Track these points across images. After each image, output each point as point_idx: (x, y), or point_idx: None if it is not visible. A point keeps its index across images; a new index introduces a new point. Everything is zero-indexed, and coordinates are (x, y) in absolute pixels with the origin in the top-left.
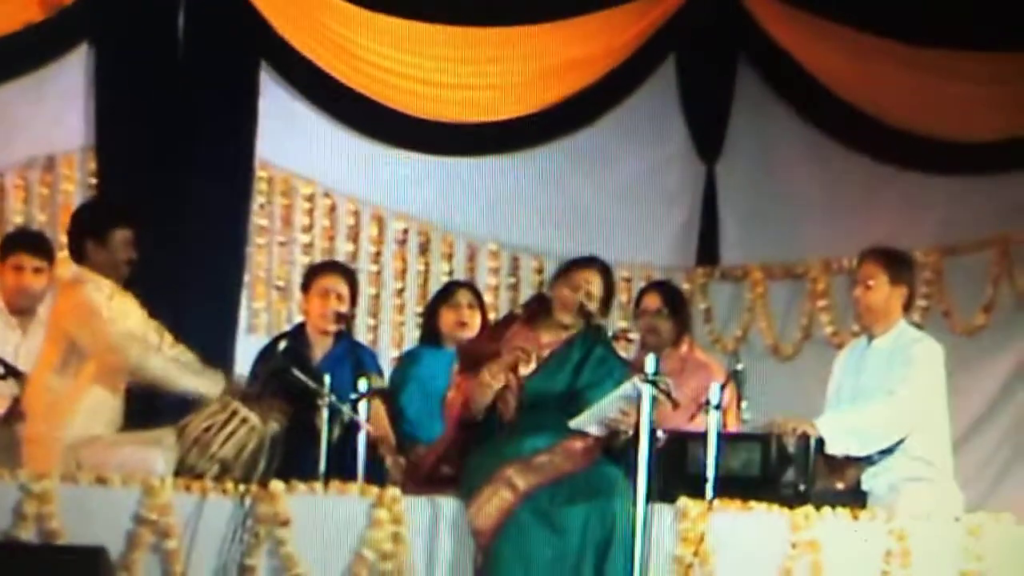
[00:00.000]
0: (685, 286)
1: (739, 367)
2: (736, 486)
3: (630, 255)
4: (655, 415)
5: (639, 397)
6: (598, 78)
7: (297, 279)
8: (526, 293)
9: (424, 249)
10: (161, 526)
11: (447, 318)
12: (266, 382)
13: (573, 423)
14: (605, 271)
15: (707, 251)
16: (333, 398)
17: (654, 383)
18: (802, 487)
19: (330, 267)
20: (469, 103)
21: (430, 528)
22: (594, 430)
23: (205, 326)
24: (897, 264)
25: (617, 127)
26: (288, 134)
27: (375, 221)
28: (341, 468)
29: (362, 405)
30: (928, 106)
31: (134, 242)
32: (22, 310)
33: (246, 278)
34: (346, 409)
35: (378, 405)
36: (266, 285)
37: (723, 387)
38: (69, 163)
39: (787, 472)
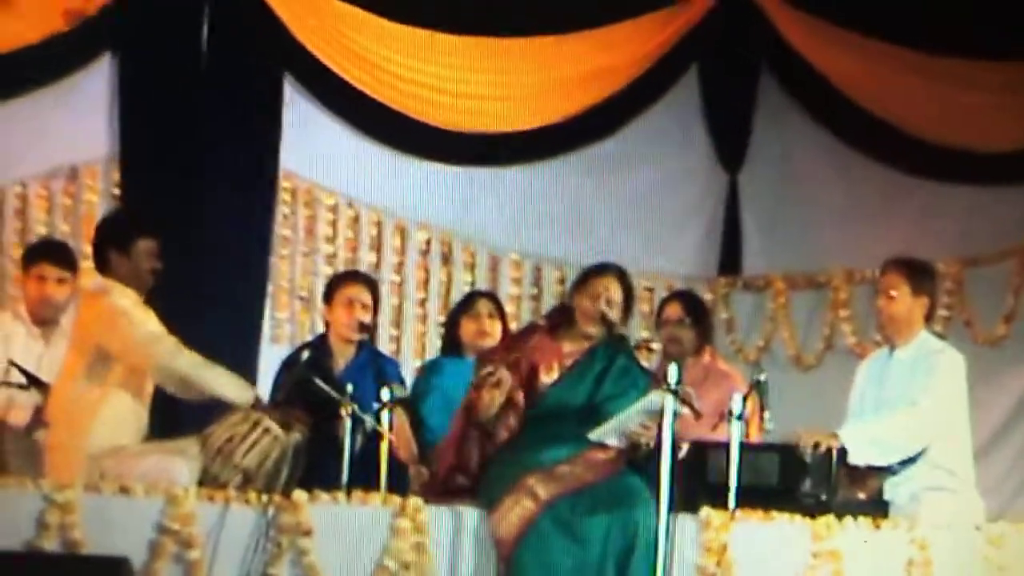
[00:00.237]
0: (707, 296)
1: (761, 377)
2: (758, 496)
3: (652, 265)
4: (677, 425)
5: (661, 409)
6: (621, 88)
7: (320, 289)
8: (548, 303)
9: (446, 259)
10: (184, 536)
11: (468, 328)
12: (289, 392)
13: (594, 435)
14: (622, 275)
15: (729, 261)
16: (356, 408)
17: (676, 393)
18: (824, 497)
19: (353, 277)
20: (491, 113)
21: (452, 538)
22: (615, 442)
23: (228, 336)
24: (919, 274)
25: (640, 137)
26: (311, 145)
27: (398, 231)
28: (363, 478)
29: (384, 415)
30: (948, 116)
31: (158, 252)
32: (45, 320)
33: (269, 288)
34: (368, 419)
35: (400, 415)
36: (289, 295)
37: (745, 397)
38: (92, 173)
39: (809, 482)
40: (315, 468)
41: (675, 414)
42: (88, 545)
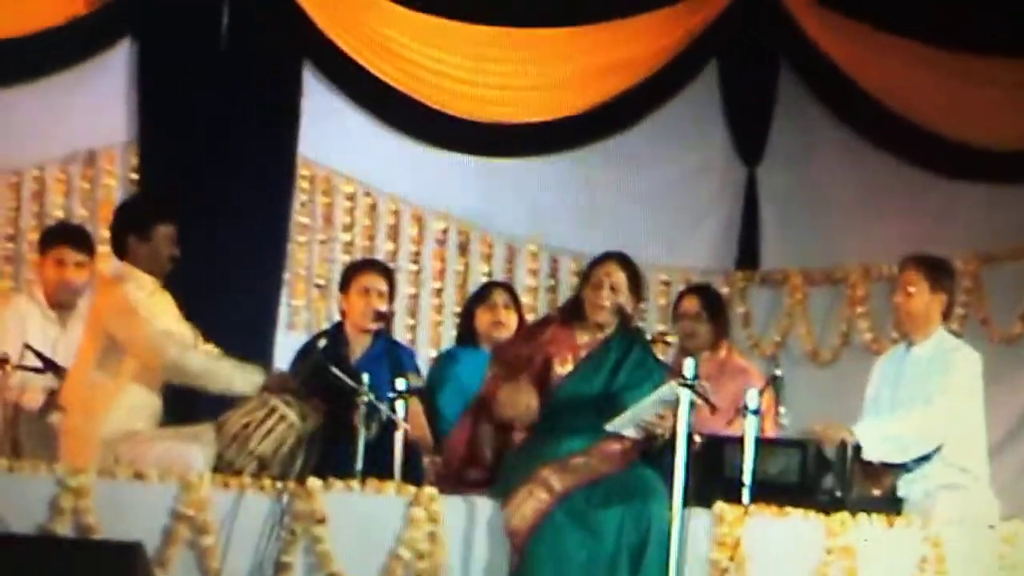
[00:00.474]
0: (724, 290)
1: (778, 372)
2: (772, 491)
3: (669, 258)
4: (692, 418)
5: (676, 400)
6: (641, 81)
7: (337, 277)
8: (565, 295)
9: (463, 249)
10: (198, 522)
11: (483, 318)
12: (305, 380)
13: (609, 426)
14: (624, 261)
15: (747, 255)
16: (371, 396)
17: (692, 387)
18: (838, 493)
19: (369, 265)
20: (510, 103)
21: (466, 528)
22: (630, 432)
23: (245, 323)
24: (938, 271)
25: (659, 130)
26: (330, 132)
27: (415, 220)
28: (378, 466)
29: (400, 404)
30: (967, 112)
31: (177, 238)
32: (62, 304)
33: (286, 276)
34: (384, 408)
35: (415, 404)
36: (306, 283)
37: (761, 392)
38: (110, 158)
39: (824, 478)
40: (330, 456)
41: (691, 407)
42: (102, 530)
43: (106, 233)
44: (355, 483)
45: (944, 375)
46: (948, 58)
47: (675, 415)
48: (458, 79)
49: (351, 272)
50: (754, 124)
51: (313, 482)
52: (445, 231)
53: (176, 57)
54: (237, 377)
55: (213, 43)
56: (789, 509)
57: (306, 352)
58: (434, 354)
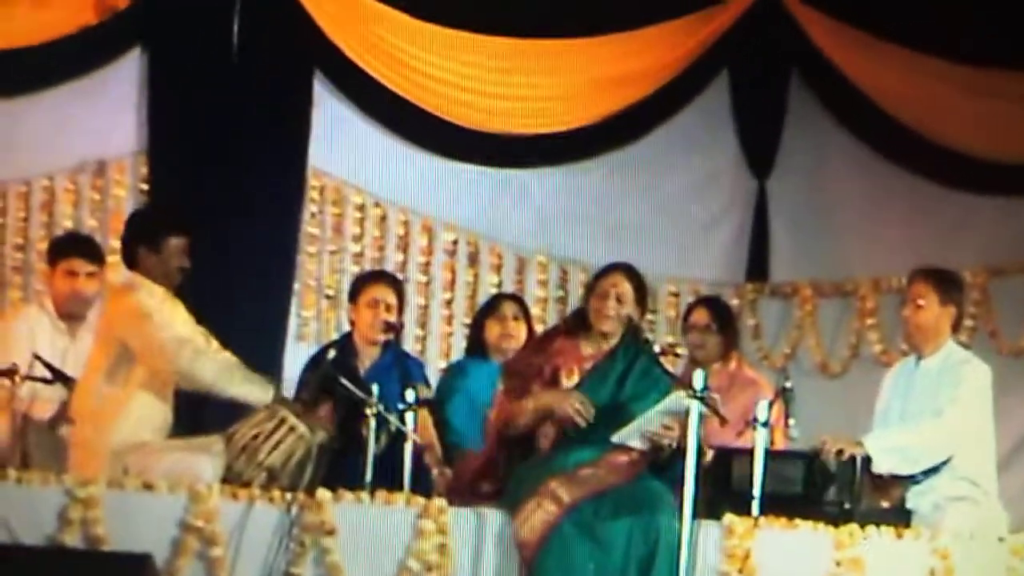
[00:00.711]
0: (734, 302)
1: (787, 384)
2: (782, 503)
3: (679, 270)
4: (702, 431)
5: (684, 411)
6: (651, 92)
7: (347, 288)
8: (574, 306)
9: (473, 260)
10: (207, 533)
11: (493, 330)
12: (314, 391)
13: (617, 437)
14: (629, 272)
15: (757, 267)
16: (380, 408)
17: (701, 399)
18: (847, 505)
19: (378, 277)
20: (520, 115)
21: (475, 539)
22: (637, 443)
23: (254, 333)
24: (947, 284)
25: (669, 141)
26: (340, 143)
27: (425, 231)
28: (387, 478)
29: (409, 415)
30: (977, 126)
31: (187, 250)
32: (72, 315)
33: (296, 286)
34: (393, 419)
35: (425, 415)
36: (316, 293)
37: (771, 404)
38: (120, 168)
39: (833, 490)
40: (339, 468)
41: (701, 419)
42: (111, 541)
43: (116, 244)
44: (364, 494)
45: (954, 387)
46: (959, 71)
47: (684, 427)
48: (469, 90)
49: (360, 284)
50: (764, 136)
51: (322, 493)
52: (455, 242)
53: (186, 67)
54: (247, 386)
55: (224, 53)
56: (798, 521)
57: (315, 363)
58: (444, 365)
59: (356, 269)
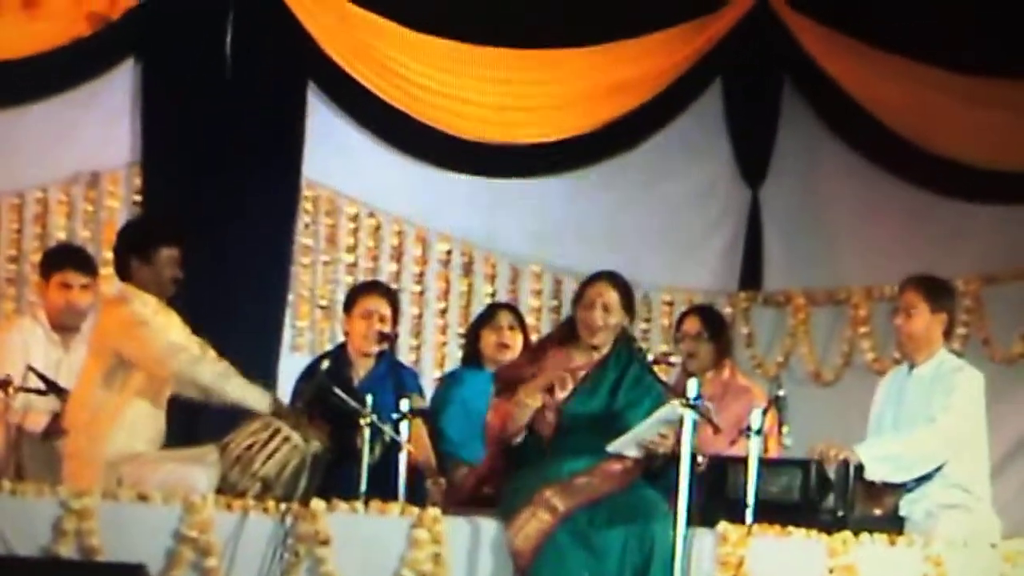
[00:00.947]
0: (728, 310)
1: (781, 392)
2: (775, 511)
3: (673, 278)
4: (696, 439)
5: (679, 421)
6: (644, 101)
7: (341, 298)
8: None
9: (467, 270)
10: (202, 544)
11: (489, 340)
12: (308, 401)
13: (611, 446)
14: (614, 279)
15: (750, 276)
16: (374, 418)
17: (695, 408)
18: (841, 513)
19: (372, 288)
20: (513, 124)
21: (470, 549)
22: (632, 452)
23: (249, 344)
24: (937, 292)
25: (662, 150)
26: (334, 153)
27: (419, 241)
28: (382, 488)
29: (403, 425)
30: (970, 134)
31: (180, 261)
32: (66, 326)
33: (290, 297)
34: (387, 429)
35: (419, 425)
36: (310, 304)
37: (764, 412)
38: (114, 179)
39: (826, 498)
40: (333, 478)
41: (694, 428)
42: (105, 552)
43: (109, 255)
44: (359, 504)
45: (947, 395)
46: (952, 79)
47: (678, 435)
48: (462, 100)
49: (354, 295)
50: (758, 144)
51: (317, 503)
52: (449, 252)
53: (180, 78)
54: (245, 391)
55: (217, 64)
56: (792, 529)
57: (310, 373)
58: (438, 375)
59: (350, 279)
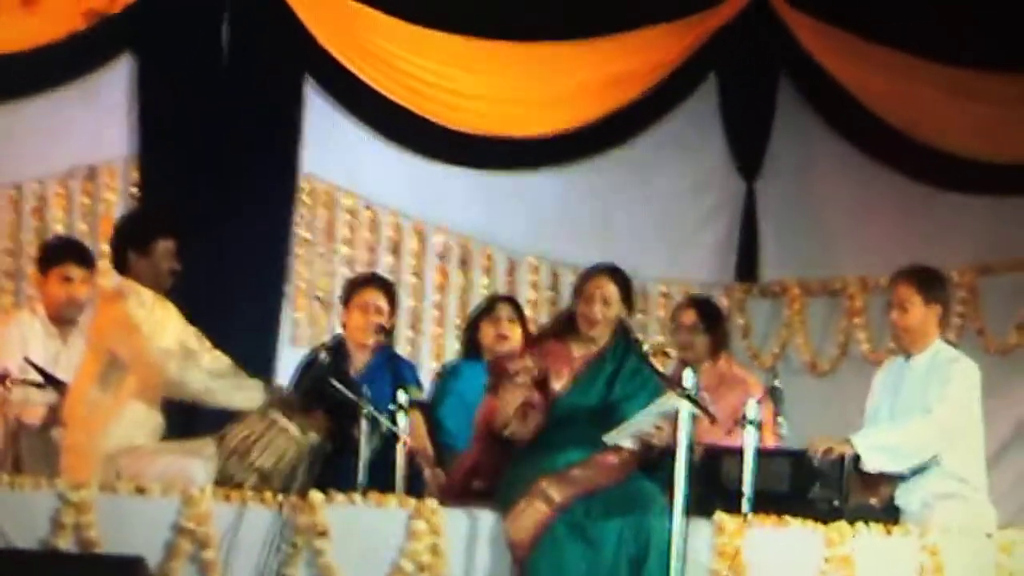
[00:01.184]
0: (724, 302)
1: (776, 383)
2: (771, 501)
3: (669, 271)
4: (692, 430)
5: (675, 412)
6: (640, 95)
7: (338, 291)
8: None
9: (464, 262)
10: (200, 536)
11: (488, 332)
12: (306, 393)
13: (607, 437)
14: (614, 272)
15: (746, 267)
16: (372, 409)
17: (691, 398)
18: (836, 503)
19: (370, 280)
20: (511, 117)
21: (468, 540)
22: (628, 444)
23: (247, 336)
24: (930, 283)
25: (658, 143)
26: (331, 146)
27: (416, 234)
28: (380, 479)
29: (401, 417)
30: (964, 127)
31: (177, 253)
32: (65, 319)
33: (288, 289)
34: (385, 421)
35: (417, 417)
36: (307, 296)
37: (760, 403)
38: (111, 173)
39: (822, 488)
40: (331, 469)
41: (691, 419)
42: (103, 544)
43: (106, 248)
44: (357, 496)
45: (942, 385)
46: (947, 73)
47: (674, 426)
48: (459, 93)
49: (352, 287)
50: (753, 137)
51: (315, 495)
52: (446, 244)
53: (177, 72)
54: (236, 394)
55: (214, 57)
56: (788, 519)
57: (307, 365)
58: (436, 367)
59: (347, 272)
